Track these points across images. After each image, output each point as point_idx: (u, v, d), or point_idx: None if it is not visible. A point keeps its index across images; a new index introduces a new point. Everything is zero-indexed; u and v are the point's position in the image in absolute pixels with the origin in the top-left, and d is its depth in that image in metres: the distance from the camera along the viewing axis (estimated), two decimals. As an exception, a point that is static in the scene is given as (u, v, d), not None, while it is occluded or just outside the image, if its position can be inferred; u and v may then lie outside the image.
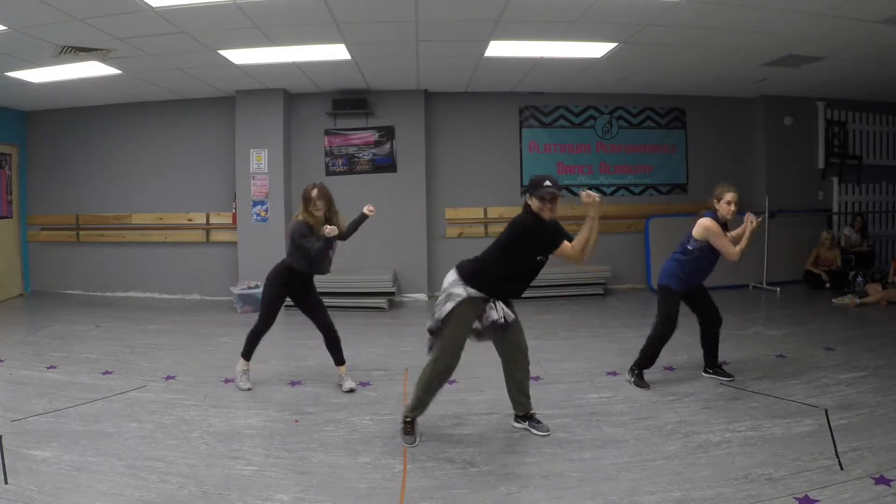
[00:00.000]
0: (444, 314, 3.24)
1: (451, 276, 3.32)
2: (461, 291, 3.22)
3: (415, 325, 6.40)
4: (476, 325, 3.29)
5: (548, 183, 3.14)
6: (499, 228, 7.86)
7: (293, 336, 6.13)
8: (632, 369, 4.30)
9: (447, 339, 3.27)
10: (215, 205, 7.92)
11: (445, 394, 4.15)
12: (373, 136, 7.83)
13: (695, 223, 4.11)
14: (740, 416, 3.65)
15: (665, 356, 4.92)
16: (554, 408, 3.84)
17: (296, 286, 4.24)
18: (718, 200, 4.06)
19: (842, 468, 2.92)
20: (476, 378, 4.46)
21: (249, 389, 4.26)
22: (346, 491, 2.84)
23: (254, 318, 4.37)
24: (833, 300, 7.07)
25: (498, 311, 3.27)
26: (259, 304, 4.37)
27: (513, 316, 3.35)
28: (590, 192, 3.18)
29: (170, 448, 3.29)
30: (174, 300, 7.88)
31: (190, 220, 7.98)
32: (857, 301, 6.91)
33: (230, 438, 3.43)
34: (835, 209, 8.53)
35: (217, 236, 7.94)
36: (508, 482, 2.90)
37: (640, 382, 4.22)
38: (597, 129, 8.26)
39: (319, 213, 4.04)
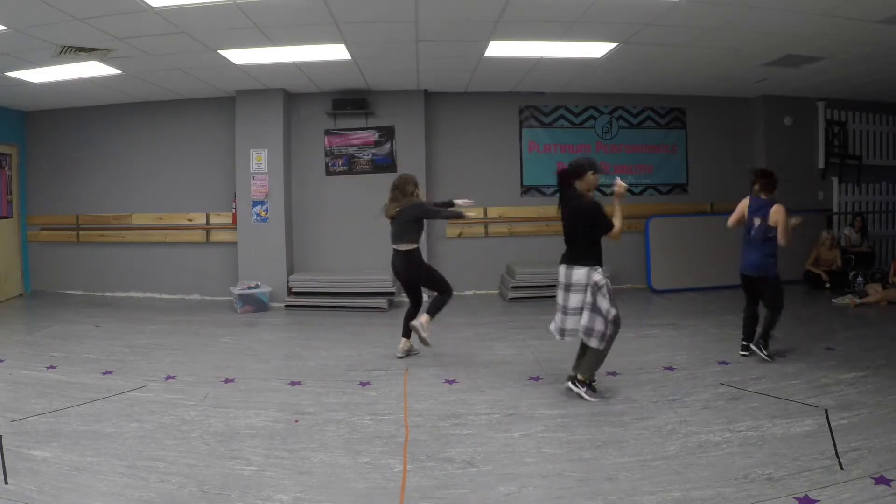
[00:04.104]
0: (608, 305, 3.78)
1: (580, 270, 3.88)
2: (600, 276, 3.85)
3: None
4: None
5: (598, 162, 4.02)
6: (499, 229, 8.05)
7: (293, 336, 6.14)
8: (759, 346, 4.81)
9: (613, 309, 3.80)
10: (215, 205, 7.92)
11: (446, 393, 4.17)
12: (373, 135, 7.83)
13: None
14: (740, 416, 3.65)
15: (665, 356, 4.96)
16: (554, 408, 3.85)
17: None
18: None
19: (842, 468, 2.92)
20: (476, 378, 4.47)
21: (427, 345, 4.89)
22: (346, 491, 2.84)
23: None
24: (833, 300, 7.07)
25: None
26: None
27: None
28: (620, 181, 3.98)
29: (170, 448, 3.29)
30: (174, 300, 7.88)
31: (190, 220, 7.98)
32: (857, 301, 6.91)
33: (230, 438, 3.43)
34: (835, 209, 8.52)
35: (217, 236, 7.94)
36: (508, 482, 2.90)
37: (769, 356, 4.74)
38: (597, 129, 8.26)
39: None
